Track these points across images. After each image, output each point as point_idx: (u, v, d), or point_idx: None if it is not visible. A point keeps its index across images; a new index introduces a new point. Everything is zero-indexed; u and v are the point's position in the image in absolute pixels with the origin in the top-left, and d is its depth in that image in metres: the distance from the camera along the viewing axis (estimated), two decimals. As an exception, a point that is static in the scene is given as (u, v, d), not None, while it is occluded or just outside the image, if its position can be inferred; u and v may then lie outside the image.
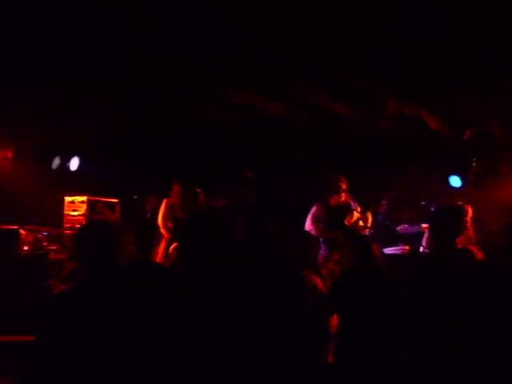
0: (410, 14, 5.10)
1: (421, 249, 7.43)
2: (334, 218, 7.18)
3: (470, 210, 6.81)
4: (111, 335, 2.91)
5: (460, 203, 7.20)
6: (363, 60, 6.12)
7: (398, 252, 7.93)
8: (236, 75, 6.53)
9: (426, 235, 7.75)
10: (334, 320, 3.59)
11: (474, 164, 8.45)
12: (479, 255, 4.21)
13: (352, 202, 7.34)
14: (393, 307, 3.99)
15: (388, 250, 7.63)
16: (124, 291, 3.05)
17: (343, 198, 7.28)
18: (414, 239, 8.11)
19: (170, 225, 7.26)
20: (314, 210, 7.22)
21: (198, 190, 7.53)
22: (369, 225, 7.32)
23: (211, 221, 3.15)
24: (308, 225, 7.16)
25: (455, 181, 8.73)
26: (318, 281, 3.64)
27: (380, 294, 4.06)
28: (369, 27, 5.42)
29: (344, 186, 7.25)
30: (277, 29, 5.43)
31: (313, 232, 7.11)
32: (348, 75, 6.52)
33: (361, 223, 7.28)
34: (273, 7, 5.01)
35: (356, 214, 7.27)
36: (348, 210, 7.24)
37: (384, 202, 8.65)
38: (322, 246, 7.15)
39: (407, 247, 8.08)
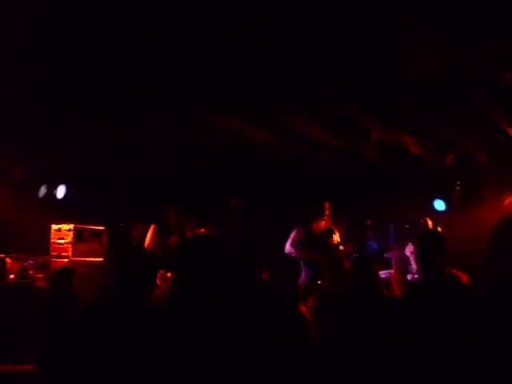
0: (395, 45, 5.22)
1: (409, 276, 7.54)
2: (315, 240, 7.26)
3: (429, 223, 6.94)
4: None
5: (421, 219, 7.38)
6: (347, 87, 6.23)
7: (385, 276, 8.02)
8: (223, 102, 6.60)
9: (412, 259, 7.88)
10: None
11: (458, 188, 8.57)
12: (464, 278, 4.25)
13: (333, 226, 7.42)
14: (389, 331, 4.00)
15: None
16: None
17: (325, 223, 7.36)
18: (401, 263, 8.23)
19: (155, 251, 7.27)
20: (293, 233, 7.29)
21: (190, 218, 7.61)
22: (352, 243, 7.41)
23: (208, 247, 3.15)
24: (287, 247, 7.21)
25: (439, 204, 8.84)
26: (303, 308, 3.69)
27: (379, 319, 4.06)
28: (353, 56, 5.54)
29: (327, 211, 7.34)
30: (265, 58, 5.53)
31: (292, 254, 7.19)
32: (333, 102, 6.61)
33: (341, 247, 7.35)
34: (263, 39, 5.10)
35: (336, 238, 7.35)
36: (329, 233, 7.33)
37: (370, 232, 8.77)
38: (302, 269, 7.23)
39: (392, 271, 8.18)
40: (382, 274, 7.95)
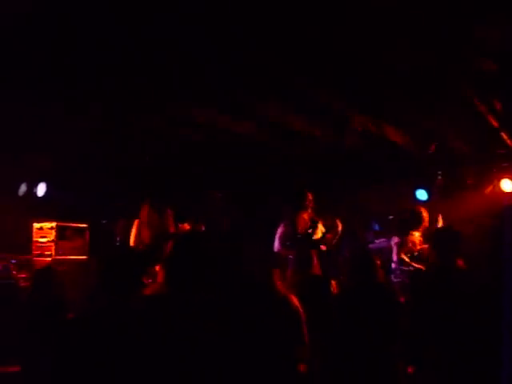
0: (374, 37, 5.20)
1: (393, 265, 7.58)
2: (301, 235, 7.24)
3: (425, 215, 7.03)
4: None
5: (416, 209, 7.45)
6: (329, 78, 6.21)
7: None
8: (202, 95, 6.53)
9: (394, 250, 7.95)
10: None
11: (439, 177, 8.62)
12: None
13: (316, 218, 7.41)
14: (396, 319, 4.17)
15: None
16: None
17: (309, 215, 7.34)
18: (383, 253, 8.28)
19: (141, 247, 7.21)
20: (281, 230, 7.23)
21: (168, 211, 7.54)
22: (338, 232, 7.40)
23: (200, 245, 3.15)
24: (277, 246, 7.16)
25: (421, 194, 8.88)
26: (295, 300, 3.69)
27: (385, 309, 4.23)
28: (335, 48, 5.52)
29: (311, 203, 7.32)
30: (244, 48, 5.47)
31: (282, 253, 7.13)
32: (314, 94, 6.59)
33: (328, 235, 7.35)
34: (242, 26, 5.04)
35: (321, 228, 7.34)
36: (314, 226, 7.31)
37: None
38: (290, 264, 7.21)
39: (378, 261, 8.22)
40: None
